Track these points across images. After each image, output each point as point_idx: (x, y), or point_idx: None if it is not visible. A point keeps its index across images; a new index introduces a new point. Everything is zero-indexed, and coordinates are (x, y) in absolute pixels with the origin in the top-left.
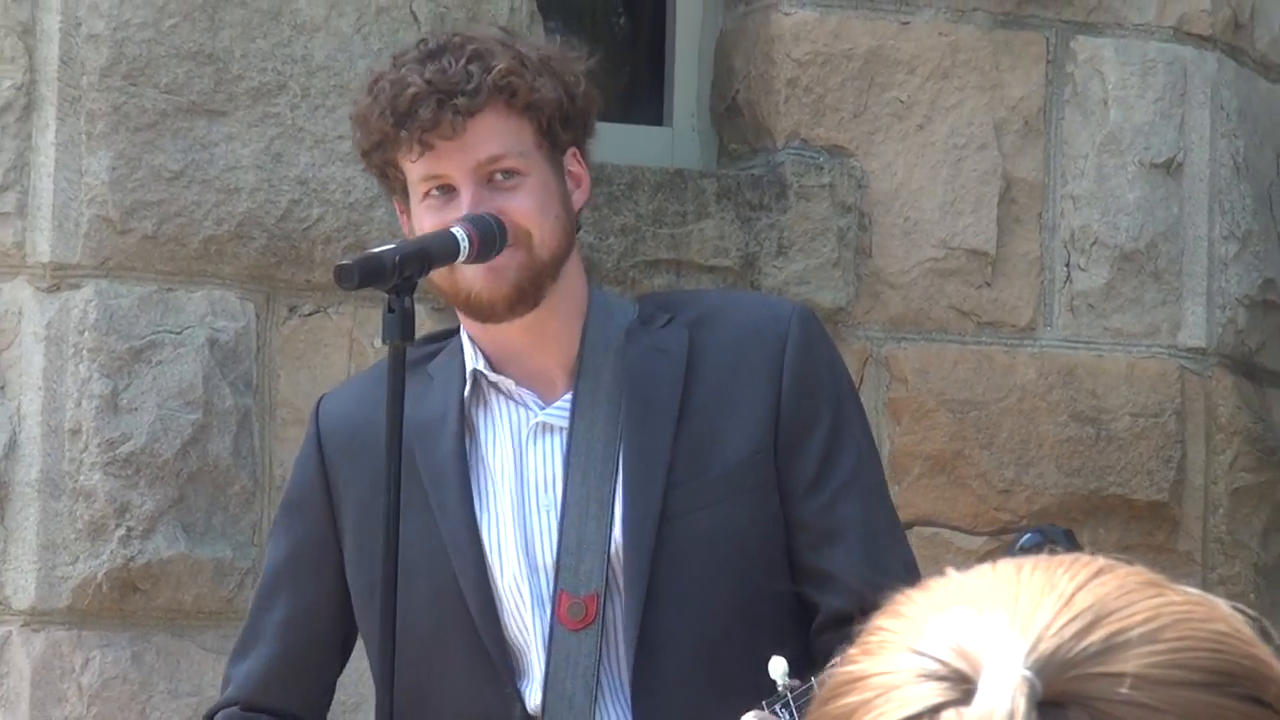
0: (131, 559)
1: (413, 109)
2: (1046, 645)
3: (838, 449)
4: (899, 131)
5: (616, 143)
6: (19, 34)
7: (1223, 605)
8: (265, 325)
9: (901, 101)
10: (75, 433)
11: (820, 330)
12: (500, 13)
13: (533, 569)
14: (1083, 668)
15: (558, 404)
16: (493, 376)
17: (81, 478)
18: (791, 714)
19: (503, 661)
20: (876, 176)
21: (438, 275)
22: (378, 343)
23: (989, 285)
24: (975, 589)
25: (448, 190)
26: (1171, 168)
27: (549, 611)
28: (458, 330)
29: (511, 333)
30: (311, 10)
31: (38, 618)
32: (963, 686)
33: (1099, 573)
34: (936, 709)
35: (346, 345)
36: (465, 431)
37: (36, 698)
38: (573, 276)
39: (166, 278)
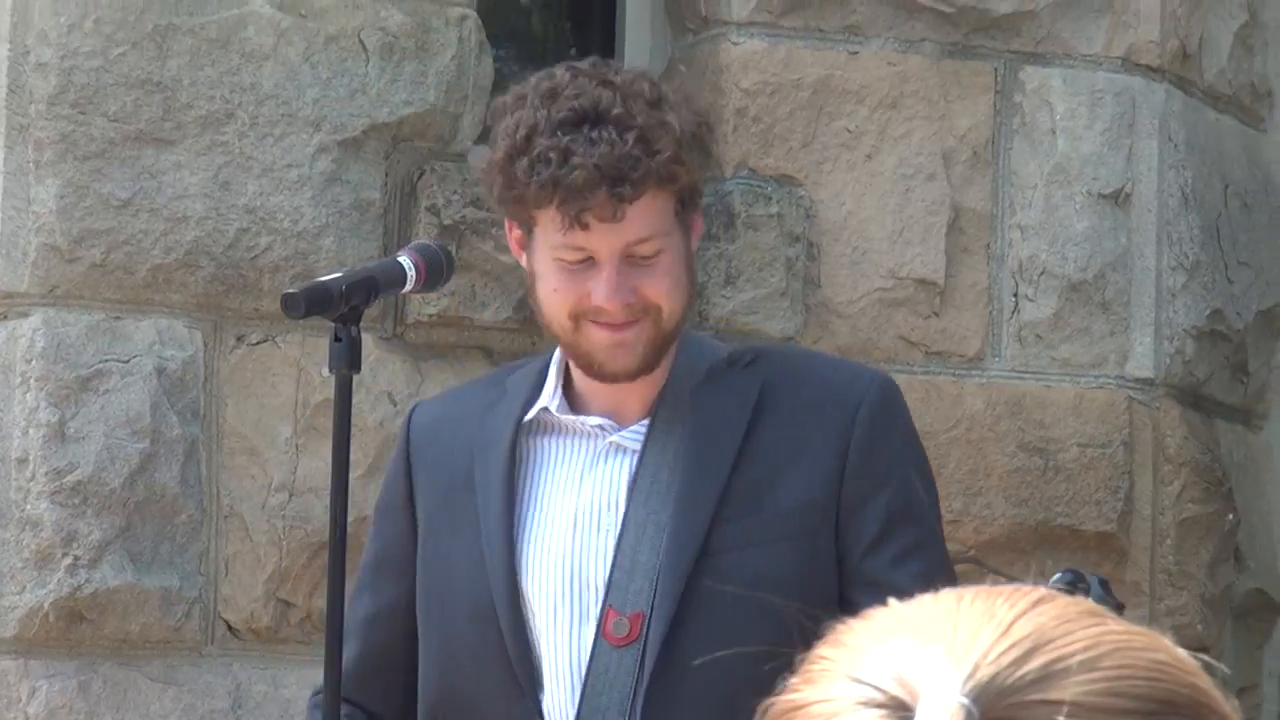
0: (78, 588)
1: (580, 192)
2: (984, 673)
3: (905, 513)
4: (847, 161)
5: None
6: None
7: (1165, 638)
8: (213, 354)
9: (850, 131)
10: (22, 462)
11: (900, 401)
12: (449, 42)
13: (581, 586)
14: (1020, 695)
15: (634, 428)
16: (565, 419)
17: (28, 507)
18: None
19: (526, 675)
20: (825, 206)
21: (559, 328)
22: (325, 372)
23: (937, 315)
24: (915, 618)
25: (587, 260)
26: (1119, 198)
27: (593, 627)
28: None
29: None
30: (260, 39)
31: None
32: (901, 714)
33: (1039, 602)
34: None
35: (294, 374)
36: (521, 451)
37: None
38: None
39: (114, 306)
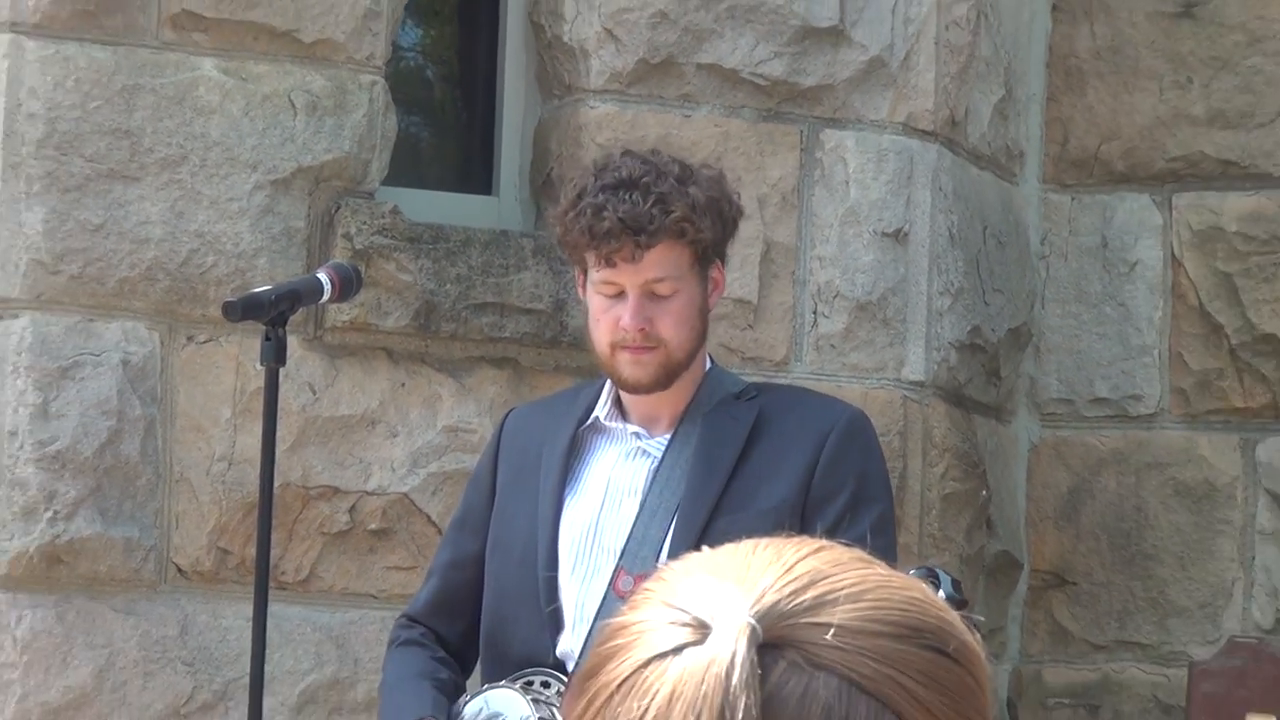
0: (57, 537)
1: (606, 237)
2: (768, 599)
3: (854, 514)
4: None
5: (453, 208)
6: None
7: (922, 585)
8: (168, 350)
9: None
10: (13, 434)
11: (865, 429)
12: (361, 102)
13: (598, 550)
14: (796, 618)
15: (658, 438)
16: (611, 425)
17: (17, 471)
18: None
19: (551, 615)
20: None
21: (601, 354)
22: (258, 365)
23: (751, 328)
24: (719, 561)
25: (618, 293)
26: (899, 236)
27: (605, 583)
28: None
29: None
30: (209, 97)
31: None
32: (701, 631)
33: (820, 550)
34: (680, 648)
35: (234, 367)
36: (579, 444)
37: None
38: (696, 358)
39: (89, 310)
